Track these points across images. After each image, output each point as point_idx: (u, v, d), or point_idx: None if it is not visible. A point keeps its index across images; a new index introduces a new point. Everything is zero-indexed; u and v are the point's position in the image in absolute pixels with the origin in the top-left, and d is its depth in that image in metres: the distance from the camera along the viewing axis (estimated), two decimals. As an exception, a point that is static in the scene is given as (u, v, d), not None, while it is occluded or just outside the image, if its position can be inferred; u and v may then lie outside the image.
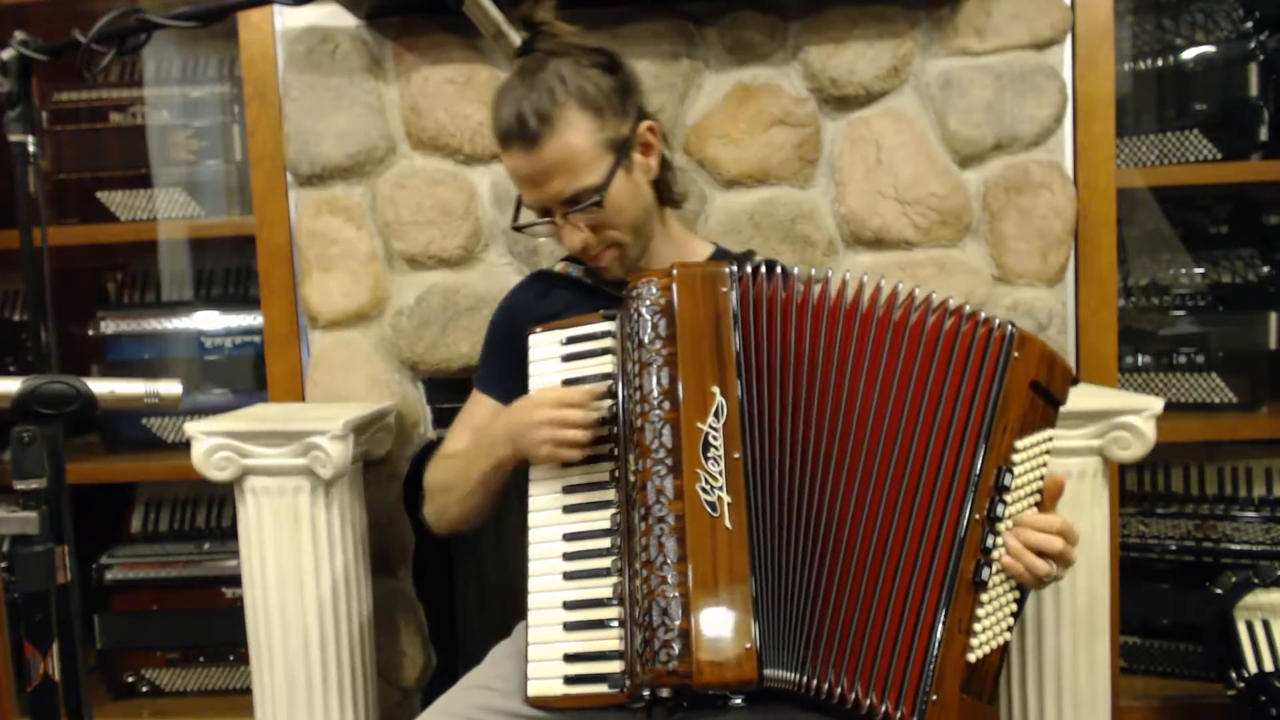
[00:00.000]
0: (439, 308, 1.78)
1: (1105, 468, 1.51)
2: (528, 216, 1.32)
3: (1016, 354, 1.08)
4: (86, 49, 1.30)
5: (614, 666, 1.10)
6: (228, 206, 2.07)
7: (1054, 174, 1.71)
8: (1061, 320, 1.73)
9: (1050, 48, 1.72)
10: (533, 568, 1.19)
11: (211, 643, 2.04)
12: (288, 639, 1.58)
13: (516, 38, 1.32)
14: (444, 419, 1.78)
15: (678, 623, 1.02)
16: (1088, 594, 1.50)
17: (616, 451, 1.17)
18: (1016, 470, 1.08)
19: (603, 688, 1.10)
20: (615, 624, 1.12)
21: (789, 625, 1.07)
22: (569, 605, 1.15)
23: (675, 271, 1.15)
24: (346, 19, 1.76)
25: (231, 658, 2.05)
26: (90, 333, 2.07)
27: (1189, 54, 1.91)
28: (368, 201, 1.81)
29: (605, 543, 1.15)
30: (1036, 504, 1.12)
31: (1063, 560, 1.08)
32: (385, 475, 1.82)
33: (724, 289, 1.15)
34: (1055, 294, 1.74)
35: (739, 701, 1.04)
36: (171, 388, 1.05)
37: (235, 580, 1.87)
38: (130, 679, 2.06)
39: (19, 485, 1.00)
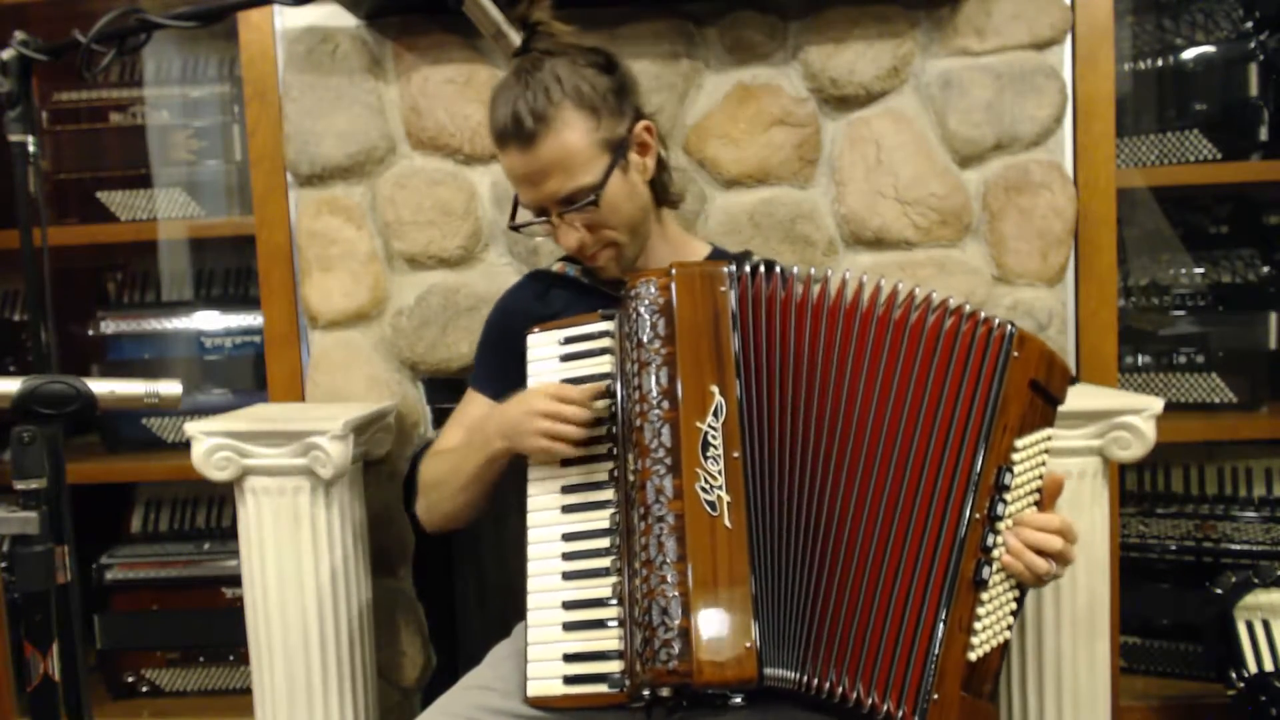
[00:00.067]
0: (439, 308, 1.78)
1: (1105, 468, 1.51)
2: (525, 215, 1.32)
3: (1016, 353, 1.08)
4: (86, 49, 1.30)
5: (613, 666, 1.10)
6: (228, 206, 2.07)
7: (1054, 174, 1.71)
8: (1061, 320, 1.73)
9: (1050, 48, 1.72)
10: (532, 568, 1.19)
11: (211, 643, 2.04)
12: (288, 639, 1.58)
13: (516, 38, 1.32)
14: (444, 419, 1.75)
15: (677, 622, 1.02)
16: (1088, 594, 1.50)
17: (615, 451, 1.17)
18: (1016, 469, 1.08)
19: (602, 688, 1.10)
20: (615, 624, 1.12)
21: (789, 624, 1.07)
22: (568, 605, 1.15)
23: (674, 271, 1.15)
24: (346, 19, 1.76)
25: (231, 658, 2.05)
26: (90, 333, 2.07)
27: (1189, 54, 1.91)
28: (368, 201, 1.81)
29: (604, 542, 1.15)
30: (1036, 503, 1.12)
31: (1062, 559, 1.08)
32: (385, 475, 1.82)
33: (722, 288, 1.15)
34: (1055, 294, 1.74)
35: (739, 700, 1.04)
36: (171, 388, 1.05)
37: (235, 580, 1.87)
38: (130, 679, 2.06)
39: (19, 485, 1.00)
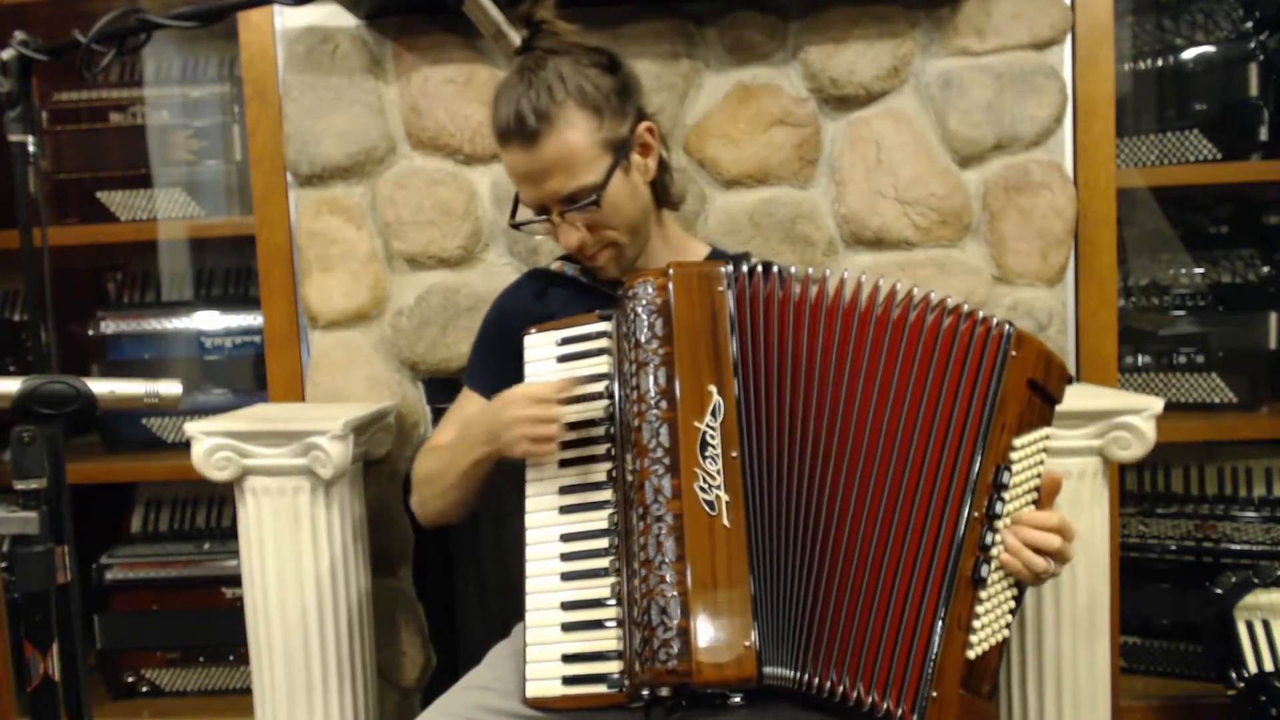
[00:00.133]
0: (439, 308, 1.78)
1: (1105, 468, 1.51)
2: (526, 214, 1.32)
3: (1014, 353, 1.08)
4: (86, 49, 1.30)
5: (612, 666, 1.10)
6: (228, 206, 2.07)
7: (1054, 174, 1.71)
8: (1061, 320, 1.73)
9: (1050, 48, 1.72)
10: (530, 568, 1.19)
11: (211, 643, 2.04)
12: (288, 639, 1.58)
13: (516, 37, 1.32)
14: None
15: (676, 621, 1.02)
16: (1088, 594, 1.50)
17: (613, 451, 1.17)
18: (1014, 468, 1.08)
19: (601, 688, 1.10)
20: (613, 624, 1.12)
21: (788, 623, 1.07)
22: (567, 606, 1.15)
23: (671, 271, 1.15)
24: (346, 19, 1.76)
25: (231, 658, 2.05)
26: (90, 333, 2.07)
27: (1189, 54, 1.91)
28: (368, 201, 1.81)
29: (603, 543, 1.15)
30: (1034, 501, 1.12)
31: (1060, 557, 1.09)
32: (385, 475, 1.82)
33: (720, 288, 1.15)
34: (1055, 294, 1.74)
35: (738, 700, 1.04)
36: (171, 388, 1.05)
37: (235, 580, 1.87)
38: (130, 679, 2.06)
39: (19, 485, 1.00)
